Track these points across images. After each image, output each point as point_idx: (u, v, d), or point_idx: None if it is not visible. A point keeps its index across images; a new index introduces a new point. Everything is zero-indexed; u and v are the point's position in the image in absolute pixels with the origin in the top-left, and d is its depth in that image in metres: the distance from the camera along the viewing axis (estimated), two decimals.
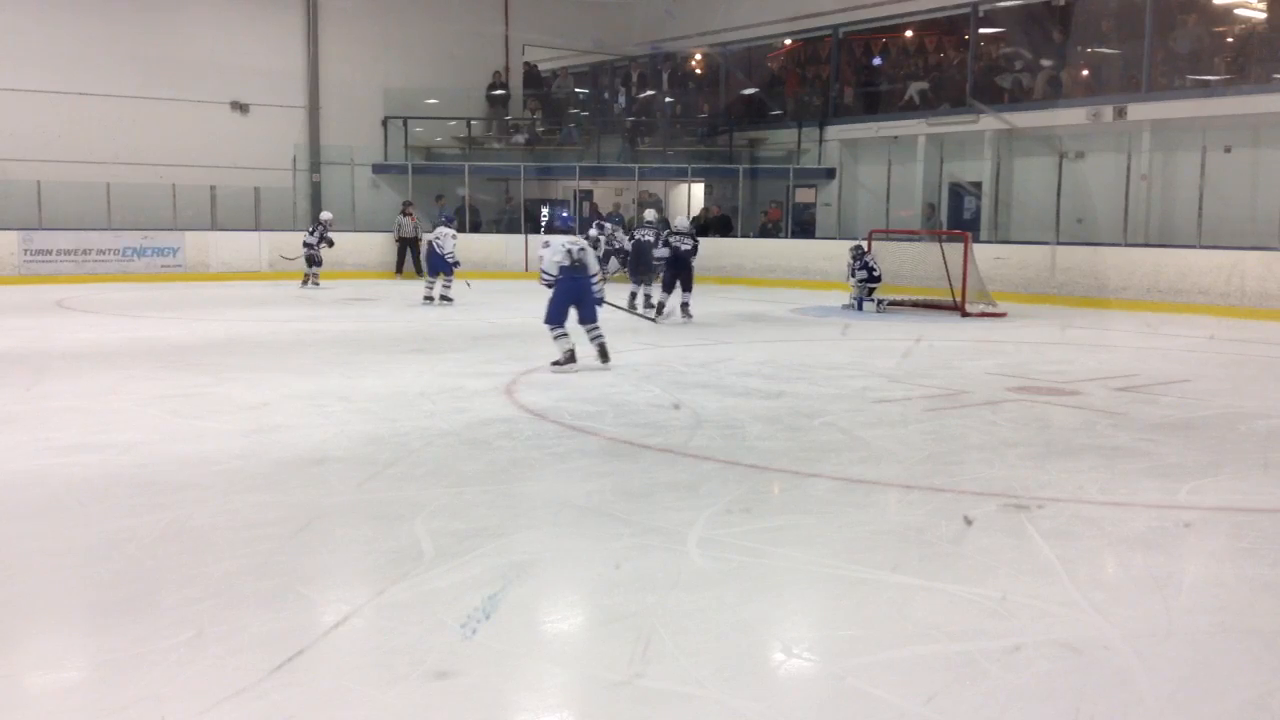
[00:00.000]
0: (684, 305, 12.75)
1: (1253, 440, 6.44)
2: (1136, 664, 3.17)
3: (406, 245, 20.47)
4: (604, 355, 8.97)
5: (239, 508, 4.70)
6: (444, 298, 15.14)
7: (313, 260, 17.75)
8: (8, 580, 3.84)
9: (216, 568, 3.89)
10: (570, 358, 8.90)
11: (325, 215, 18.20)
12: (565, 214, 9.28)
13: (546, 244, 9.23)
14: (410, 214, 20.53)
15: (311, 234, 17.82)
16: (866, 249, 14.98)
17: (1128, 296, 15.10)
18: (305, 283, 17.65)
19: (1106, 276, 15.47)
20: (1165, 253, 15.09)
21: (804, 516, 4.71)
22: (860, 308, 14.59)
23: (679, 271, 12.76)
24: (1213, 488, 5.26)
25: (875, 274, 14.69)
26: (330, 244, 17.86)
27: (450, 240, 14.83)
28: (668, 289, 12.86)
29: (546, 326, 8.96)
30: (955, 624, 3.44)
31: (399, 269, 20.49)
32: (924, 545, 4.25)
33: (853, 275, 14.70)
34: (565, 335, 8.93)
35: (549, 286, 8.95)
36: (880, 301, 14.64)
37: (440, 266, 15.00)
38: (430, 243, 15.45)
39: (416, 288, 17.91)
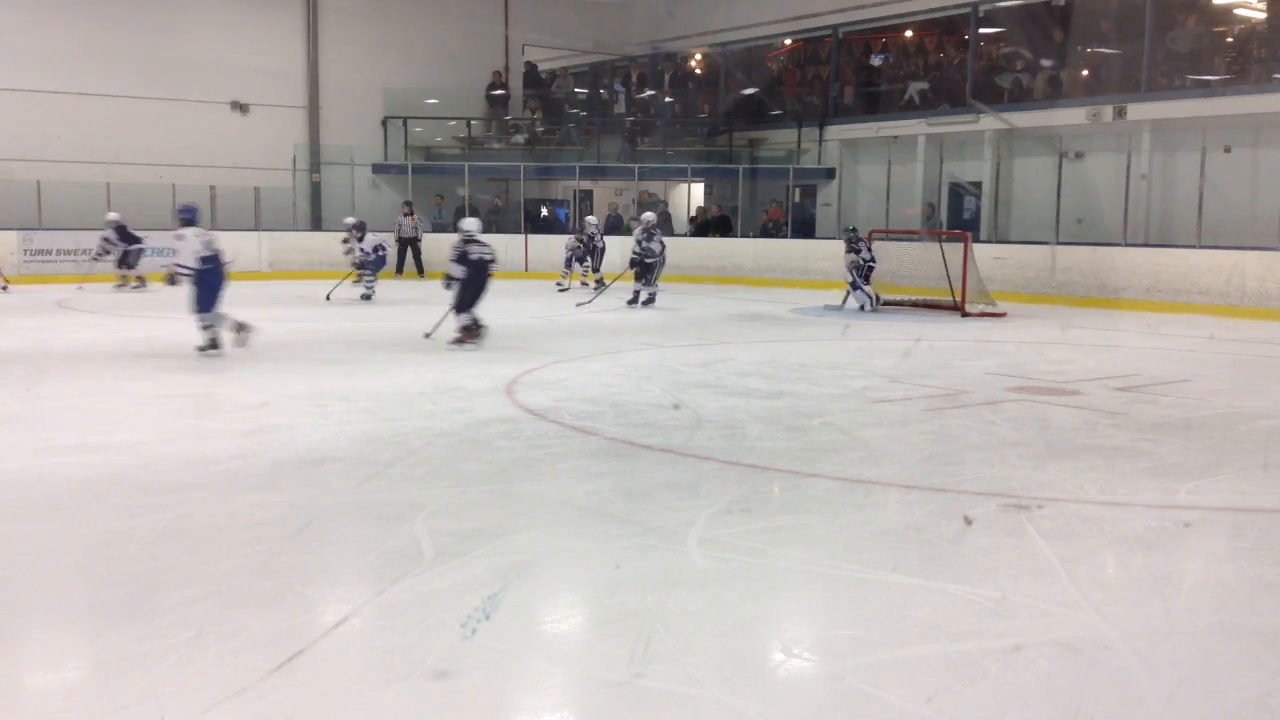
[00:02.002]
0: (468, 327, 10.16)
1: (1253, 440, 6.43)
2: (1136, 664, 3.17)
3: (406, 245, 20.34)
4: (242, 343, 9.39)
5: (239, 508, 4.70)
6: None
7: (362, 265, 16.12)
8: (8, 580, 3.85)
9: (216, 568, 3.89)
10: (214, 344, 9.30)
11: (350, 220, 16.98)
12: (191, 207, 9.33)
13: (180, 236, 9.31)
14: (411, 214, 20.47)
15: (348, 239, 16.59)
16: (863, 235, 14.78)
17: (1128, 296, 15.09)
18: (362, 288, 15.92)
19: (1106, 276, 15.46)
20: (1165, 253, 15.09)
21: (804, 516, 4.71)
22: (854, 289, 14.38)
23: (477, 286, 10.14)
24: (1213, 488, 5.26)
25: (872, 260, 14.54)
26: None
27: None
28: (461, 308, 10.12)
29: (196, 317, 9.31)
30: (955, 624, 3.44)
31: (399, 269, 20.35)
32: (924, 545, 4.25)
33: (855, 254, 14.46)
34: (213, 325, 9.34)
35: (188, 278, 9.22)
36: (876, 299, 14.54)
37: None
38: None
39: (419, 288, 17.91)
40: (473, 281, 10.11)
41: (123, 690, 2.92)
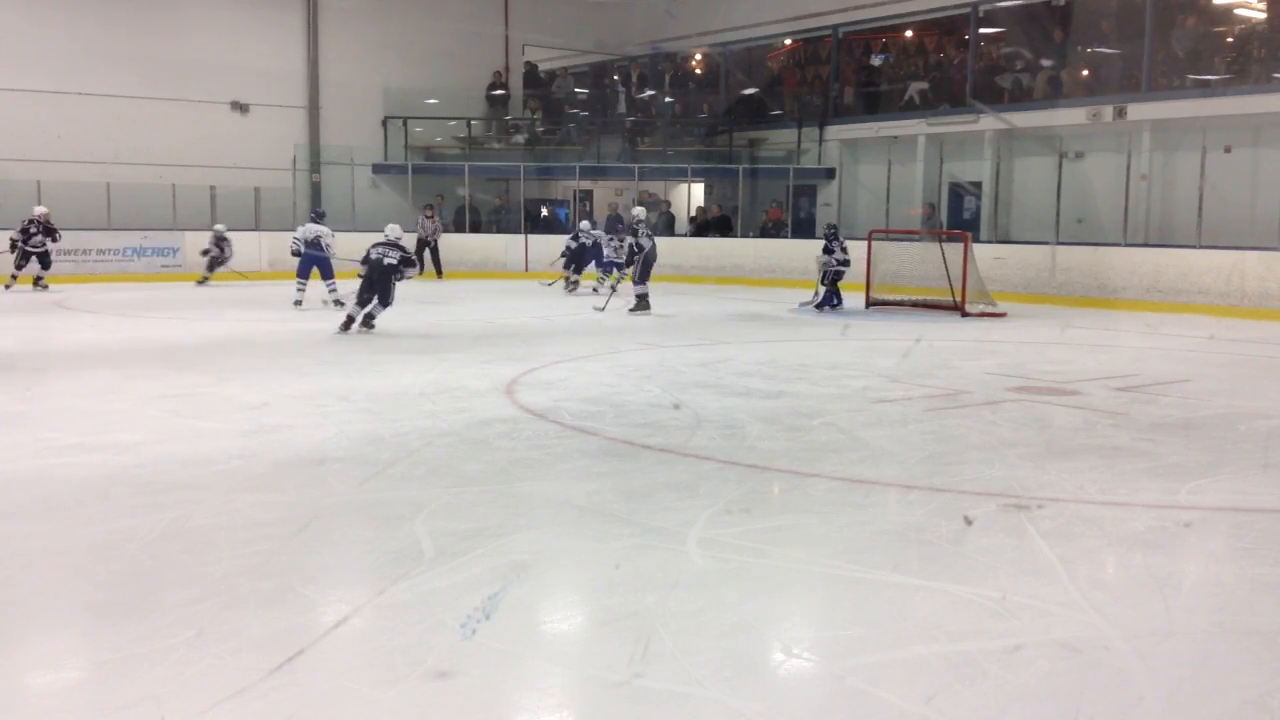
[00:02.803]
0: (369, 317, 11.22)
1: (1253, 440, 6.43)
2: (1136, 664, 3.17)
3: (424, 245, 19.87)
4: None
5: (239, 508, 4.69)
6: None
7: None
8: (8, 580, 3.84)
9: (216, 568, 3.89)
10: None
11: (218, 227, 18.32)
12: None
13: None
14: (432, 215, 20.23)
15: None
16: (839, 235, 14.69)
17: (1128, 296, 15.09)
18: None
19: (1106, 276, 15.47)
20: (1165, 253, 15.09)
21: (804, 516, 4.71)
22: (823, 286, 14.34)
23: (369, 282, 11.20)
24: (1213, 488, 5.26)
25: (847, 258, 14.47)
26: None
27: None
28: (359, 301, 11.22)
29: None
30: (955, 624, 3.44)
31: (419, 269, 20.02)
32: (924, 545, 4.25)
33: (828, 255, 14.43)
34: None
35: None
36: (822, 298, 14.42)
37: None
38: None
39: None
40: (367, 278, 11.16)
41: (123, 690, 2.92)
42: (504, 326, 12.32)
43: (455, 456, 5.70)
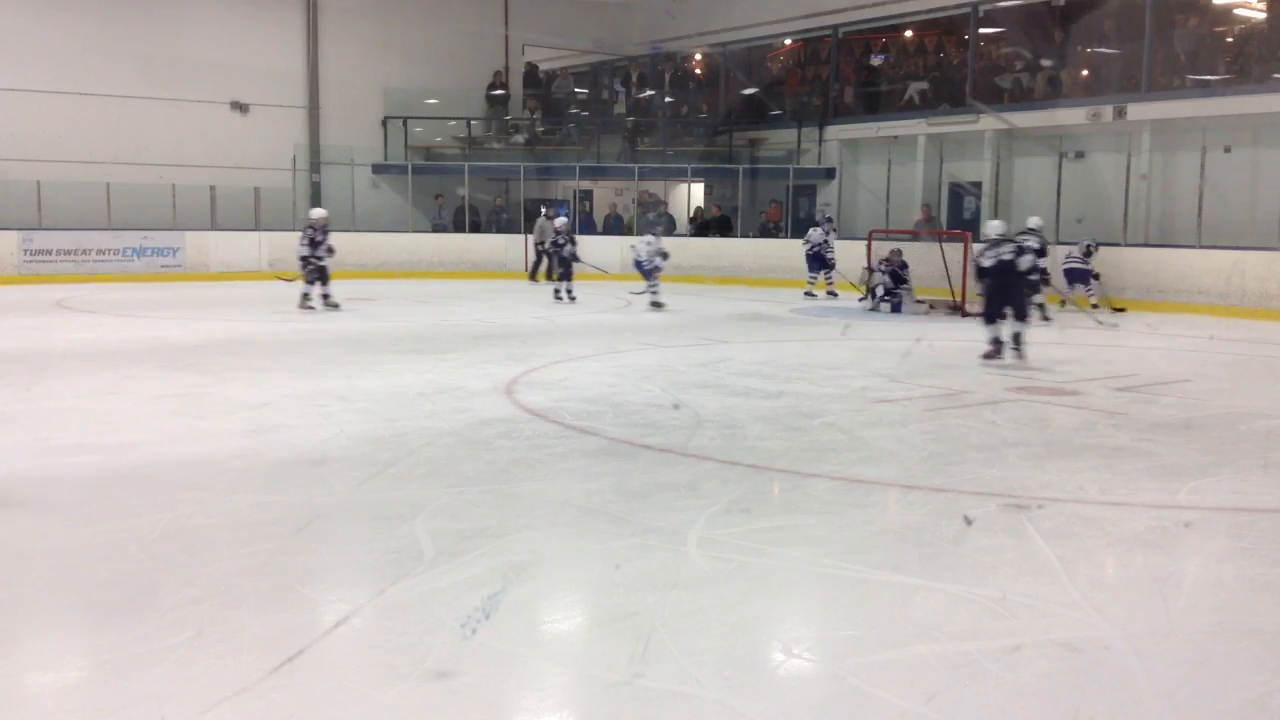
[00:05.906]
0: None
1: (1253, 440, 6.43)
2: (1136, 664, 3.17)
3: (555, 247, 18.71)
4: None
5: (239, 508, 4.70)
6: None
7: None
8: (8, 580, 3.85)
9: (216, 568, 3.89)
10: None
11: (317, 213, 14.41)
12: None
13: None
14: (552, 217, 18.39)
15: None
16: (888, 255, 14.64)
17: (1128, 296, 15.08)
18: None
19: (1107, 276, 15.44)
20: (1165, 253, 15.09)
21: (804, 516, 4.71)
22: (896, 308, 14.32)
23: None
24: (1213, 488, 5.26)
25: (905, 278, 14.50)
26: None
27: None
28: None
29: None
30: (955, 624, 3.44)
31: (533, 273, 19.31)
32: (924, 545, 4.25)
33: (881, 274, 14.47)
34: None
35: None
36: (892, 301, 14.46)
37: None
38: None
39: (414, 288, 17.90)
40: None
41: (123, 690, 2.92)
42: (504, 326, 12.32)
43: (455, 456, 5.70)
